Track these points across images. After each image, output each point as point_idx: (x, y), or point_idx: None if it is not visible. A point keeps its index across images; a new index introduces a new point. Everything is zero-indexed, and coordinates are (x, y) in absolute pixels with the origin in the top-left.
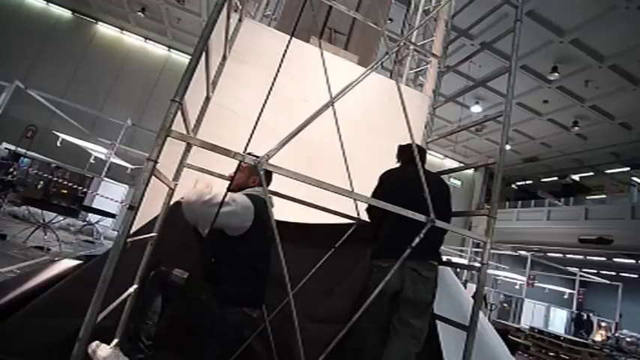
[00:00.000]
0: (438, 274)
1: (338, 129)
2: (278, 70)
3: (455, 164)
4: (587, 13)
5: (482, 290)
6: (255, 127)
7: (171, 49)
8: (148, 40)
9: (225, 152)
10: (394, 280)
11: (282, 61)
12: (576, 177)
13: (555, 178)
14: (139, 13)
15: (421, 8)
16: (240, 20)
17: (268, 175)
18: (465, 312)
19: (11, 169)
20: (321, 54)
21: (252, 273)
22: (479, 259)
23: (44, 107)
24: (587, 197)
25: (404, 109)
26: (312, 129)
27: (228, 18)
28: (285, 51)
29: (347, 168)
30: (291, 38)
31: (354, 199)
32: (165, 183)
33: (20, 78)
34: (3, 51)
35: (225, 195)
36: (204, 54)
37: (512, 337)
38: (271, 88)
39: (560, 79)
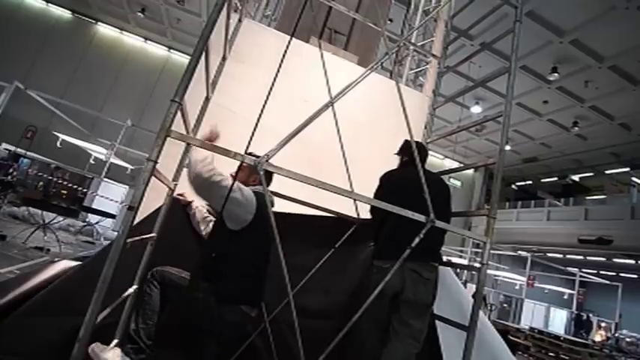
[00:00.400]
0: (438, 276)
1: (338, 129)
2: (278, 70)
3: (455, 164)
4: (587, 14)
5: (482, 290)
6: (255, 128)
7: (171, 50)
8: (147, 41)
9: (225, 152)
10: (395, 281)
11: (282, 61)
12: (576, 177)
13: (555, 179)
14: (139, 14)
15: (421, 8)
16: (240, 20)
17: (268, 176)
18: (465, 312)
19: (11, 170)
20: (321, 54)
21: (250, 270)
22: (479, 259)
23: (44, 108)
24: (587, 198)
25: (404, 109)
26: (313, 129)
27: (228, 18)
28: (286, 51)
29: (347, 169)
30: (291, 38)
31: (354, 200)
32: (164, 183)
33: (20, 78)
34: (2, 51)
35: (234, 182)
36: (204, 54)
37: (512, 338)
38: (271, 89)
39: (560, 79)
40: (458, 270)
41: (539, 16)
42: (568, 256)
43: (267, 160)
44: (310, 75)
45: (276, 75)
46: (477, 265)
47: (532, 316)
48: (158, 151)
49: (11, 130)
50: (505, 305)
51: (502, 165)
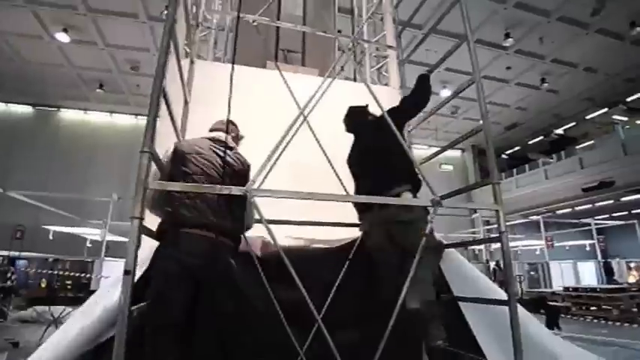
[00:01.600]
0: (420, 212)
1: (318, 142)
2: (229, 101)
3: None
4: None
5: (510, 259)
6: (225, 158)
7: (138, 116)
8: (113, 114)
9: (210, 189)
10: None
11: (231, 90)
12: (560, 131)
13: (541, 138)
14: (98, 90)
15: (365, 10)
16: (192, 62)
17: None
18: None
19: (9, 275)
20: (280, 73)
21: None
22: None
23: (28, 205)
24: (577, 147)
25: (379, 105)
26: (298, 149)
27: (179, 61)
28: (232, 78)
29: (340, 180)
30: (233, 66)
31: (351, 202)
32: (155, 239)
33: None
34: None
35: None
36: (164, 103)
37: (550, 303)
38: (228, 119)
39: (515, 43)
40: (476, 251)
41: None
42: (577, 209)
43: (254, 188)
44: (276, 98)
45: (229, 102)
46: (495, 235)
47: (562, 276)
48: (141, 207)
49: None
50: (532, 273)
51: (489, 129)
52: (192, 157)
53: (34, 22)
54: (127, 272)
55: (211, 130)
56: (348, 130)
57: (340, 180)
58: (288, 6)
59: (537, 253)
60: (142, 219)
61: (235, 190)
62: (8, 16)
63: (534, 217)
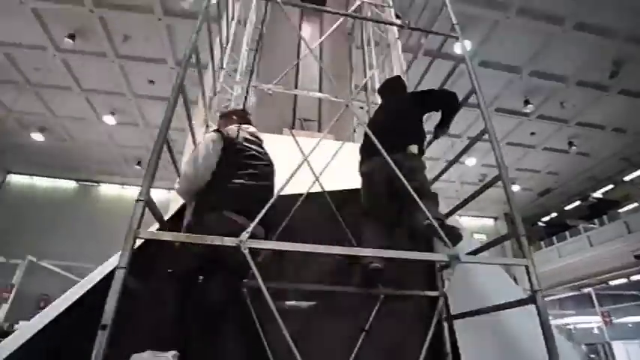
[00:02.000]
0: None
1: (331, 202)
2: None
3: (473, 221)
4: (532, 47)
5: (549, 324)
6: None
7: (170, 190)
8: None
9: (201, 239)
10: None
11: (238, 134)
12: (598, 194)
13: (578, 202)
14: (136, 167)
15: (377, 80)
16: (207, 126)
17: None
18: None
19: None
20: (294, 138)
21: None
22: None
23: (56, 275)
24: (621, 210)
25: (394, 167)
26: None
27: (189, 117)
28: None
29: (347, 231)
30: (238, 132)
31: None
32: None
33: (31, 251)
34: (14, 229)
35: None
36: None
37: None
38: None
39: (536, 109)
40: None
41: (491, 63)
42: (633, 278)
43: (248, 238)
44: (292, 162)
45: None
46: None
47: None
48: (128, 257)
49: (23, 303)
50: (592, 356)
51: (507, 175)
52: (246, 152)
53: (87, 106)
54: (103, 327)
55: (235, 115)
56: (382, 94)
57: (348, 232)
58: (305, 81)
59: (595, 332)
60: (127, 269)
61: (227, 241)
62: (65, 103)
63: (585, 290)
